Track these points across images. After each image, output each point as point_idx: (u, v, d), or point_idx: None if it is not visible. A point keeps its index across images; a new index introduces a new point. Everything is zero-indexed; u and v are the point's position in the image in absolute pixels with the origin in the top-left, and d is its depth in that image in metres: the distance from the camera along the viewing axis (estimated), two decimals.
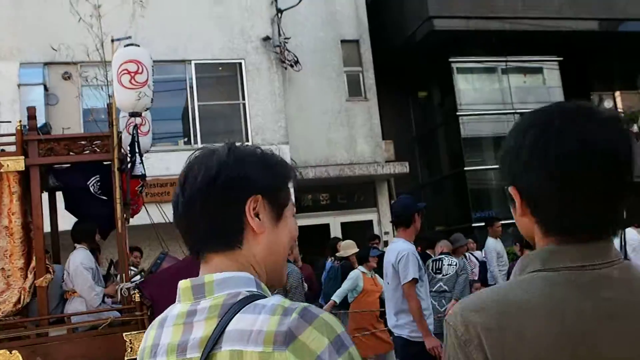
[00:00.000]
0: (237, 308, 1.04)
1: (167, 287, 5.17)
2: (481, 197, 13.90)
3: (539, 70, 14.48)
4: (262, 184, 1.15)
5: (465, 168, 13.75)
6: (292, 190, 1.25)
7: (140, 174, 5.43)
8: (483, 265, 8.97)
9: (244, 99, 11.74)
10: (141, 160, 5.43)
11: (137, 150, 5.29)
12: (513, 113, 13.61)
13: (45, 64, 10.24)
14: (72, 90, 9.39)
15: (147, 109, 5.18)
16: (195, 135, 11.35)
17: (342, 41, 13.33)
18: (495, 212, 12.55)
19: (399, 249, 4.69)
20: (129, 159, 5.15)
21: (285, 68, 12.19)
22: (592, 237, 1.06)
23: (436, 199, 14.34)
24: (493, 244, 8.67)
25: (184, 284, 1.14)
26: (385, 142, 13.46)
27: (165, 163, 10.47)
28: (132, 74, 4.89)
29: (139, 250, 8.72)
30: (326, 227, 12.98)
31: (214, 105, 11.81)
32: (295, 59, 12.18)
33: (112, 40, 5.33)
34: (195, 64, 11.42)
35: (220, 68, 11.96)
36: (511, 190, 1.12)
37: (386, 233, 12.63)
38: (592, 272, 1.04)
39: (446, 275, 6.89)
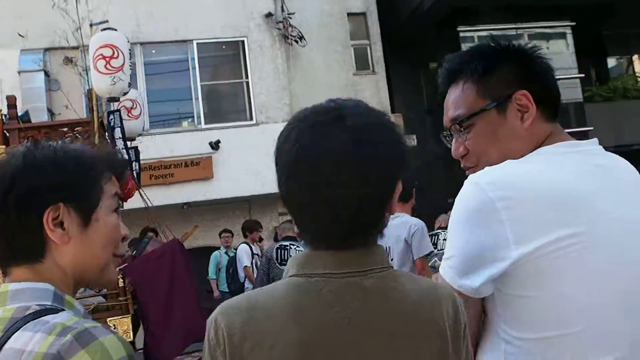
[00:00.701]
0: (20, 324, 0.98)
1: (149, 271, 5.23)
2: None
3: (551, 37, 14.04)
4: (62, 191, 1.07)
5: None
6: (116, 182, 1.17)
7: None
8: None
9: (247, 77, 11.64)
10: (124, 145, 5.43)
11: (119, 135, 5.29)
12: None
13: (46, 49, 10.24)
14: (74, 76, 9.40)
15: (125, 93, 5.16)
16: (199, 116, 11.33)
17: (349, 14, 13.11)
18: None
19: (410, 222, 4.37)
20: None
21: (290, 44, 12.04)
22: (347, 245, 1.02)
23: (448, 173, 14.15)
24: None
25: None
26: (394, 115, 13.27)
27: (169, 145, 10.50)
28: (108, 59, 4.86)
29: (154, 231, 8.72)
30: None
31: (217, 84, 11.75)
32: (300, 34, 12.02)
33: (91, 25, 5.30)
34: (197, 43, 11.33)
35: (222, 47, 11.86)
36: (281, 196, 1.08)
37: None
38: (339, 280, 1.00)
39: (441, 250, 6.79)
